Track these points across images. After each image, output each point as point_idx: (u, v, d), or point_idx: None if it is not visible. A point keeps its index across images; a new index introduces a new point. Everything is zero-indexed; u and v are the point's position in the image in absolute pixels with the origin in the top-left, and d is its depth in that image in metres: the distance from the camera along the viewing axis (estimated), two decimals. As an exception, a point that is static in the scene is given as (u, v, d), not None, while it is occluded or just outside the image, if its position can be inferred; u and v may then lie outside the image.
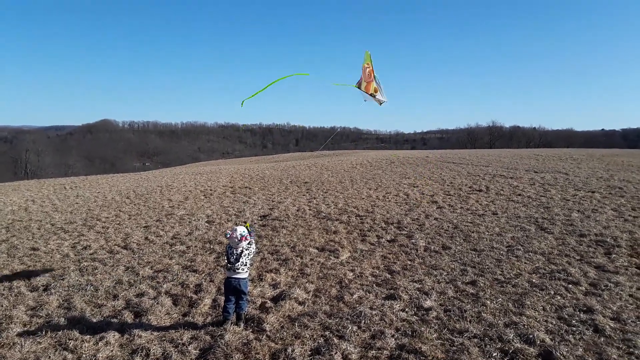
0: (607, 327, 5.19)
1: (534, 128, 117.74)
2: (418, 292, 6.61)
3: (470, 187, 16.66)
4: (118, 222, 13.01)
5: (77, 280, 7.72)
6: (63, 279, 7.77)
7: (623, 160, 25.96)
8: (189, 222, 12.64)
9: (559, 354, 4.54)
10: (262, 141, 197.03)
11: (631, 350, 4.68)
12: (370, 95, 9.66)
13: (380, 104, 9.95)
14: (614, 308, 5.77)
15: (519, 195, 14.63)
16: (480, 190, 15.83)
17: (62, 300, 6.77)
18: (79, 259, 9.27)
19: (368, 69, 9.57)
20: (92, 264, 8.75)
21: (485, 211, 12.34)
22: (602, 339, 4.93)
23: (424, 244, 9.26)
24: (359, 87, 9.83)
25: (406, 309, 6.02)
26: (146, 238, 10.84)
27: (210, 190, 19.19)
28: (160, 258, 9.04)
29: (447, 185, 17.60)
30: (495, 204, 13.36)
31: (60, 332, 5.56)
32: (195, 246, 9.89)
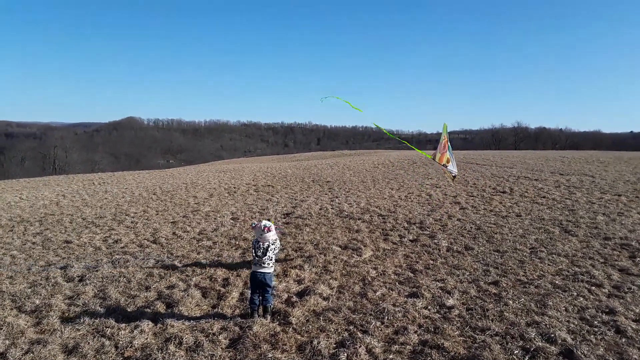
0: (629, 328, 5.23)
1: (561, 129, 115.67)
2: (440, 291, 6.71)
3: (494, 189, 16.58)
4: (146, 218, 13.41)
5: (110, 272, 8.05)
6: (97, 271, 8.12)
7: (652, 163, 25.37)
8: (215, 218, 12.95)
9: (580, 353, 4.61)
10: (283, 140, 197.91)
11: (653, 351, 4.71)
12: (443, 165, 9.90)
13: (453, 177, 10.32)
14: (637, 310, 5.79)
15: (544, 197, 14.52)
16: (504, 192, 15.75)
17: (98, 291, 7.09)
18: (110, 252, 9.64)
19: (444, 141, 9.80)
20: (124, 256, 9.09)
21: (509, 213, 12.31)
22: (624, 340, 4.98)
23: (446, 244, 9.33)
24: (434, 158, 10.02)
25: (429, 307, 6.14)
26: (174, 233, 11.18)
27: (234, 188, 19.54)
28: (188, 252, 9.33)
29: (470, 186, 17.56)
30: (519, 205, 13.30)
31: (97, 320, 5.86)
32: (221, 242, 10.16)
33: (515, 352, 4.73)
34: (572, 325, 5.38)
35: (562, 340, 4.94)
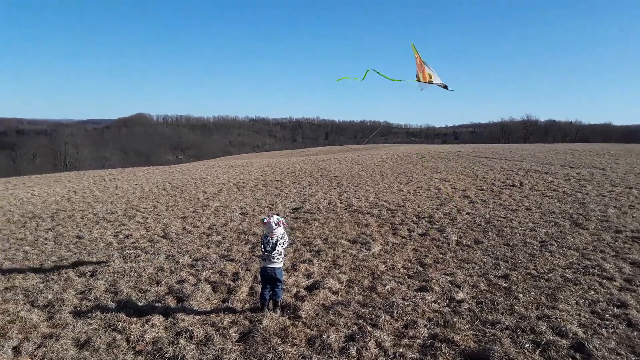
0: (642, 322, 5.19)
1: (571, 122, 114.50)
2: (450, 285, 6.69)
3: (503, 182, 16.48)
4: (156, 213, 13.50)
5: (122, 266, 8.12)
6: (108, 266, 8.20)
7: (665, 155, 25.06)
8: (224, 213, 13.00)
9: (591, 347, 4.58)
10: (291, 135, 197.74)
11: (665, 345, 4.67)
12: (429, 82, 9.18)
13: (446, 87, 9.44)
14: (649, 303, 5.74)
15: (554, 190, 14.41)
16: (513, 186, 15.65)
17: (109, 285, 7.16)
18: (121, 247, 9.72)
19: (417, 59, 9.37)
20: (135, 252, 9.17)
21: (519, 206, 12.23)
22: (636, 333, 4.93)
23: (455, 238, 9.30)
24: (418, 80, 9.49)
25: (438, 301, 6.13)
26: (184, 228, 11.24)
27: (243, 183, 19.60)
28: (198, 247, 9.39)
29: (480, 180, 17.46)
30: (529, 199, 13.21)
31: (109, 314, 5.92)
32: (231, 236, 10.20)
33: (526, 345, 4.71)
34: (583, 319, 5.35)
35: (573, 333, 4.92)
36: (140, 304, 6.35)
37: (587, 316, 5.44)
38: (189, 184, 19.91)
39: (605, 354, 4.47)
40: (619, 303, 5.78)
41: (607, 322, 5.22)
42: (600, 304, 5.79)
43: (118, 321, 5.69)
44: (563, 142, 71.86)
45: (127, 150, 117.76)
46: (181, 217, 12.67)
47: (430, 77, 9.18)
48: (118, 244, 10.04)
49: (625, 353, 4.51)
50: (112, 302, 6.45)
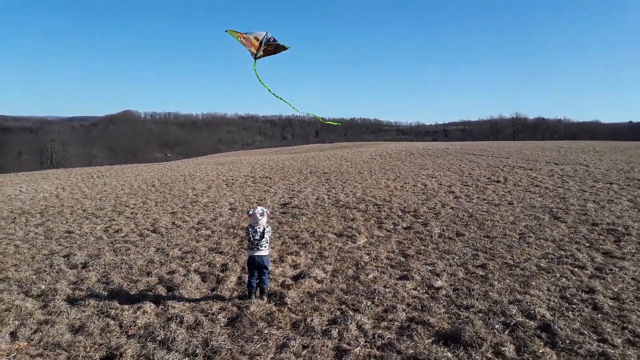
0: (606, 305, 5.52)
1: (559, 120, 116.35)
2: (430, 274, 7.00)
3: (488, 178, 16.85)
4: (146, 209, 13.67)
5: (112, 259, 8.33)
6: (99, 258, 8.39)
7: (646, 152, 25.68)
8: (213, 209, 13.21)
9: (556, 327, 4.90)
10: (281, 132, 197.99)
11: (625, 325, 5.00)
12: (264, 48, 7.50)
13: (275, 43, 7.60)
14: (615, 289, 6.07)
15: (537, 186, 14.80)
16: (498, 181, 16.03)
17: (101, 276, 7.38)
18: (112, 240, 9.91)
19: (241, 39, 7.46)
20: (125, 245, 9.37)
21: (502, 201, 12.58)
22: (600, 315, 5.27)
23: (438, 231, 9.61)
24: (255, 56, 7.52)
25: (417, 288, 6.44)
26: (173, 223, 11.44)
27: (232, 179, 19.78)
28: (187, 241, 9.61)
29: (466, 176, 17.82)
30: (512, 194, 13.58)
31: (101, 302, 6.15)
32: (220, 231, 10.43)
33: (496, 326, 5.03)
34: (552, 303, 5.68)
35: (541, 316, 5.24)
36: (131, 293, 6.58)
37: (556, 301, 5.77)
38: (178, 181, 20.05)
39: (569, 333, 4.79)
40: (587, 289, 6.12)
41: (574, 306, 5.55)
42: (570, 290, 6.13)
43: (111, 308, 5.93)
44: (551, 140, 72.85)
45: (114, 148, 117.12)
46: (170, 213, 12.86)
47: (257, 39, 7.63)
48: (108, 238, 10.21)
49: (588, 333, 4.83)
50: (105, 291, 6.67)
